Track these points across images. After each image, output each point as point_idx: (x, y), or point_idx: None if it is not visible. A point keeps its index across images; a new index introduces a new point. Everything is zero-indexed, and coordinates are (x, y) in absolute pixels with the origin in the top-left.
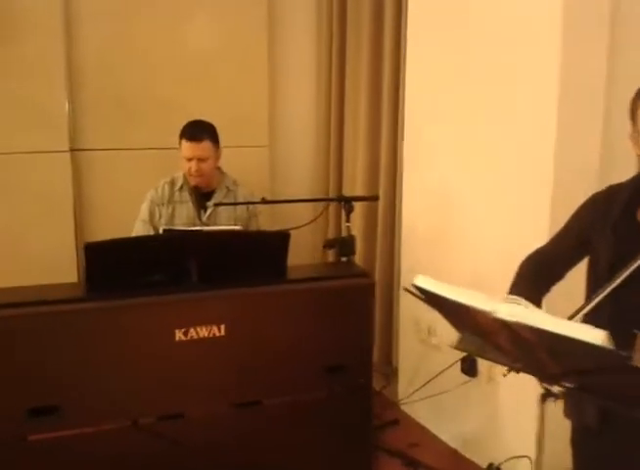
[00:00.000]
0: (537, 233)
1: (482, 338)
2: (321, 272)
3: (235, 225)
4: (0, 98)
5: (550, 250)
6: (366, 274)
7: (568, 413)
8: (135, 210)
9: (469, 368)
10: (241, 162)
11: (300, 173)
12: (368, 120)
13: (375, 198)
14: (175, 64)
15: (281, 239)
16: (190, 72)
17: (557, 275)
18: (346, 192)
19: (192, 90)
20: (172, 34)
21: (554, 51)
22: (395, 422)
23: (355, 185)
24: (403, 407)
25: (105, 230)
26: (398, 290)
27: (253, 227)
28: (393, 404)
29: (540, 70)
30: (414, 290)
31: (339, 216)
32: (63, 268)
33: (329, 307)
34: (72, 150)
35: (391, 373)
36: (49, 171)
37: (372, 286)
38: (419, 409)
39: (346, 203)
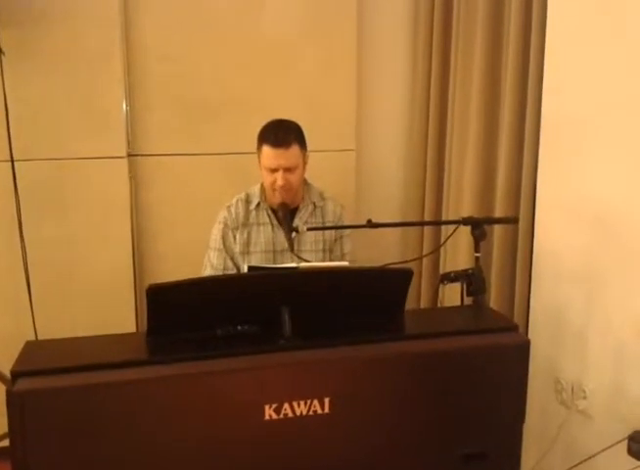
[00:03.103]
0: None
1: None
2: (451, 323)
3: (323, 250)
4: (49, 93)
5: None
6: (515, 326)
7: None
8: (201, 224)
9: None
10: (323, 168)
11: (391, 183)
12: (480, 121)
13: (514, 220)
14: (249, 55)
15: (401, 278)
16: (266, 65)
17: None
18: (450, 211)
19: (268, 86)
20: (247, 21)
21: None
22: None
23: (461, 202)
24: None
25: (166, 246)
26: (525, 334)
27: (340, 251)
28: None
29: None
30: None
31: (434, 241)
32: (118, 282)
33: (466, 374)
34: (130, 155)
35: None
36: (104, 179)
37: (526, 345)
38: None
39: (476, 227)
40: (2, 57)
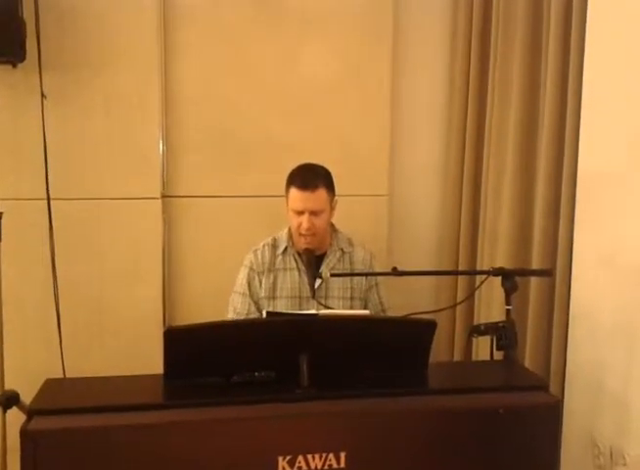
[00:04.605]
0: None
1: None
2: (476, 379)
3: (351, 298)
4: (87, 135)
5: None
6: (545, 385)
7: None
8: (233, 267)
9: None
10: (355, 212)
11: (425, 230)
12: (516, 171)
13: (547, 273)
14: (284, 99)
15: (424, 330)
16: (300, 110)
17: None
18: (485, 260)
19: (302, 130)
20: (282, 66)
21: None
22: None
23: (496, 252)
24: None
25: (197, 287)
26: (562, 395)
27: (374, 301)
28: None
29: None
30: None
31: (468, 291)
32: (148, 323)
33: (490, 434)
34: (165, 196)
35: None
36: (138, 220)
37: (556, 406)
38: None
39: (507, 279)
40: (44, 100)
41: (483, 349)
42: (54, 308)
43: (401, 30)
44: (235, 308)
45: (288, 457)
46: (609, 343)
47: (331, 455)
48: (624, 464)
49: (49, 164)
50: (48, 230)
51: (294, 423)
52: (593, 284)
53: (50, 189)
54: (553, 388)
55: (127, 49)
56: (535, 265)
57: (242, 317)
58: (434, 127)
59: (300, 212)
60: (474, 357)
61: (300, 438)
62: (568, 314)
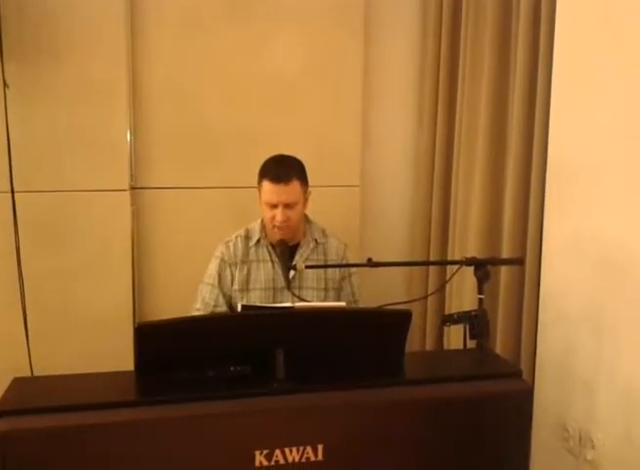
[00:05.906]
0: None
1: None
2: (451, 368)
3: (325, 288)
4: (52, 126)
5: None
6: (518, 372)
7: None
8: (203, 259)
9: None
10: (327, 203)
11: (397, 220)
12: (487, 160)
13: (518, 261)
14: (255, 91)
15: (399, 320)
16: (271, 101)
17: None
18: (456, 250)
19: (273, 121)
20: (253, 57)
21: None
22: None
23: (467, 242)
24: None
25: (167, 280)
26: (532, 380)
27: (346, 291)
28: None
29: None
30: None
31: (439, 280)
32: (118, 317)
33: (466, 422)
34: (133, 188)
35: None
36: (106, 212)
37: (529, 392)
38: None
39: (479, 268)
40: (7, 90)
41: (455, 337)
42: (20, 304)
43: (373, 23)
44: (203, 299)
45: (265, 451)
46: (578, 329)
47: (308, 448)
48: (593, 447)
49: (13, 156)
50: (12, 224)
51: (270, 417)
52: (562, 272)
53: (14, 181)
54: (524, 373)
55: (94, 39)
56: (506, 254)
57: (209, 308)
58: (406, 119)
59: (274, 205)
60: (445, 346)
61: (277, 431)
62: (538, 302)
